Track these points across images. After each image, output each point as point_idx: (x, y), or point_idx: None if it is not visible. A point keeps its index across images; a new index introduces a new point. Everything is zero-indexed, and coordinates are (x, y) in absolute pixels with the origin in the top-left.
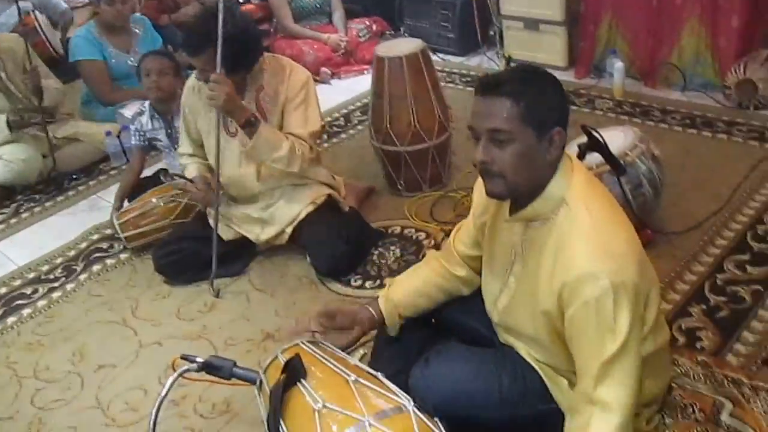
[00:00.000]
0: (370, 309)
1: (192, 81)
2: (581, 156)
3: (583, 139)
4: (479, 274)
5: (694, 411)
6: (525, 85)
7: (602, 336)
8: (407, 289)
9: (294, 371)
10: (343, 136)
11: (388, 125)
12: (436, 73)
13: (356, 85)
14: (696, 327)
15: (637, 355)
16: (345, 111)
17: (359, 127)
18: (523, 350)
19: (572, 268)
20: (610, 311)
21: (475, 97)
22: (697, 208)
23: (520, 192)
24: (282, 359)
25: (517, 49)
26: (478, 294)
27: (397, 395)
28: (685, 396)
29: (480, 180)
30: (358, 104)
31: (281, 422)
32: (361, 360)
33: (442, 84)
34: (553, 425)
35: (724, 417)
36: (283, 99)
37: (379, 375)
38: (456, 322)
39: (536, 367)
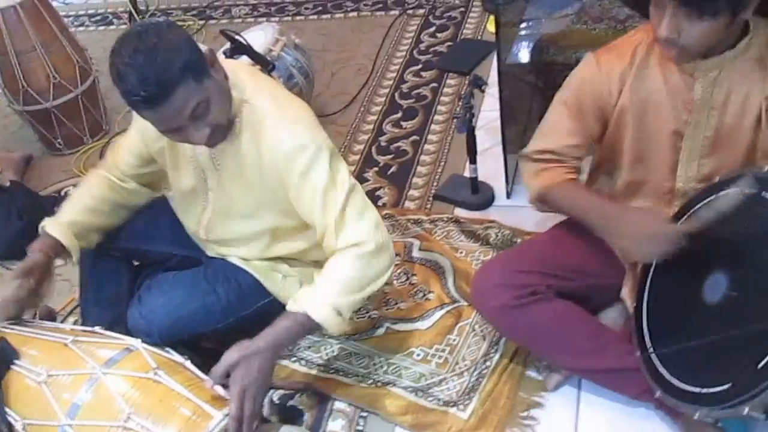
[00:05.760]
0: (37, 251)
1: None
2: None
3: (227, 45)
4: (146, 186)
5: None
6: (164, 59)
7: (327, 194)
8: (76, 209)
9: (2, 355)
10: None
11: (24, 83)
12: (61, 18)
13: None
14: (375, 188)
15: (360, 191)
16: None
17: None
18: (234, 257)
19: (278, 148)
20: (325, 171)
21: (144, 112)
22: (347, 84)
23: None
24: None
25: None
26: (173, 223)
27: (121, 339)
28: None
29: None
30: None
31: (10, 412)
32: (75, 324)
33: (72, 29)
34: (276, 314)
35: (416, 253)
36: None
37: (97, 328)
38: (158, 254)
39: (248, 269)
